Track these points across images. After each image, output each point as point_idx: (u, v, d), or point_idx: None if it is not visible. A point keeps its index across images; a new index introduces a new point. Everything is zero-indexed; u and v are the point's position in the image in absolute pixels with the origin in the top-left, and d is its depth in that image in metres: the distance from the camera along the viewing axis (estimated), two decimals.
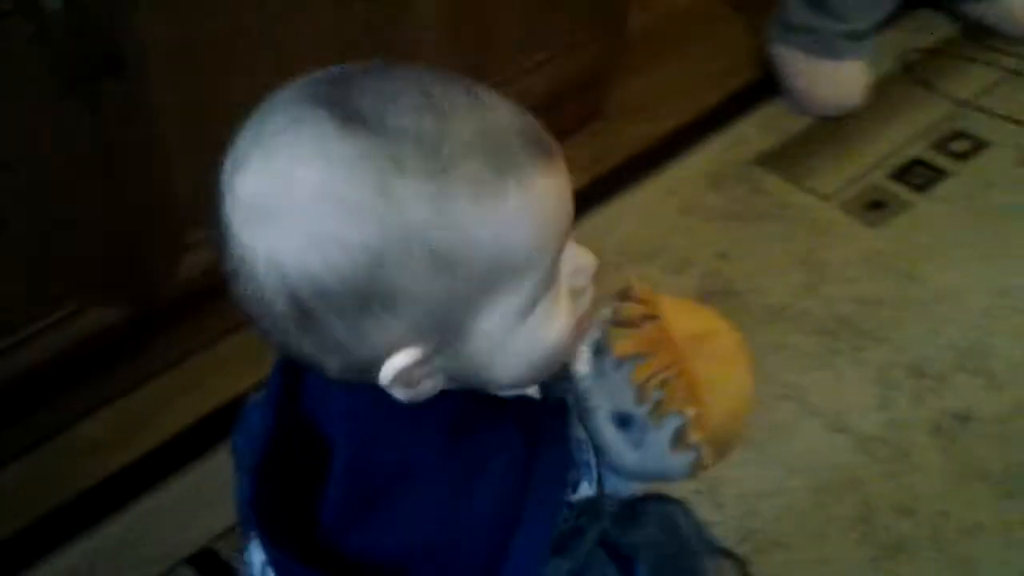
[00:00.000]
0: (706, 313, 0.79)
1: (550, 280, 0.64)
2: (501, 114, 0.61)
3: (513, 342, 0.65)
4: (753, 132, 1.87)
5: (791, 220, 1.71)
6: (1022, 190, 1.74)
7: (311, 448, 0.68)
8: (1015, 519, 1.33)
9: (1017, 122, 1.84)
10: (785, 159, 1.81)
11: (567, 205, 0.64)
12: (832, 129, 1.86)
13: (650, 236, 1.68)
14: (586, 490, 0.71)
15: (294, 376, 0.70)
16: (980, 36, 2.01)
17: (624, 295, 0.77)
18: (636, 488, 0.81)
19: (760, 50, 1.96)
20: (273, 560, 0.68)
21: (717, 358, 0.75)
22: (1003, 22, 2.00)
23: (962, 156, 1.80)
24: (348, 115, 0.59)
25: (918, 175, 1.77)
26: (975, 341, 1.52)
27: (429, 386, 0.65)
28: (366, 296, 0.60)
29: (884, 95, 1.91)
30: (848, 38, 1.86)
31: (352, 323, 0.61)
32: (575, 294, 0.67)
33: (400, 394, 0.64)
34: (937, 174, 1.77)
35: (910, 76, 1.95)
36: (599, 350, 0.76)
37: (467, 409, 0.68)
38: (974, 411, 1.44)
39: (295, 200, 0.59)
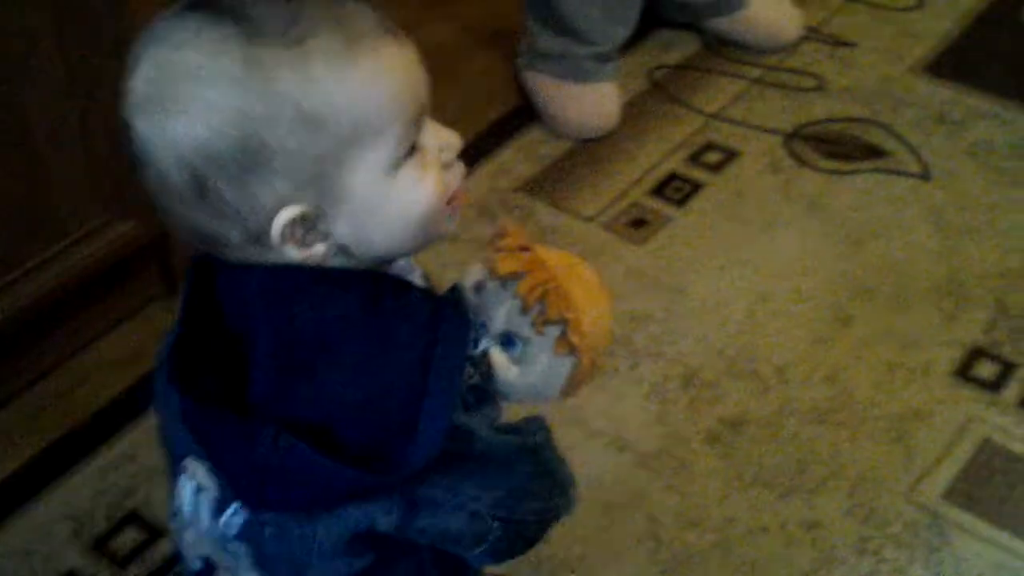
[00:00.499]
0: (565, 252, 0.87)
1: (409, 144, 0.74)
2: (348, 4, 0.73)
3: (387, 202, 0.74)
4: (516, 160, 1.88)
5: (559, 244, 1.72)
6: (773, 196, 1.80)
7: (226, 342, 0.75)
8: (793, 518, 1.37)
9: (764, 130, 1.91)
10: (548, 184, 1.83)
11: (418, 75, 0.75)
12: (591, 151, 1.89)
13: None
14: (484, 346, 0.81)
15: (206, 277, 0.78)
16: (723, 50, 2.08)
17: (500, 233, 0.86)
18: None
19: (517, 78, 1.98)
20: (185, 410, 0.76)
21: (583, 280, 0.85)
22: (743, 35, 2.07)
23: (715, 167, 1.85)
24: (214, 12, 0.70)
25: (676, 189, 1.81)
26: (742, 347, 1.57)
27: (321, 250, 0.74)
28: (248, 155, 0.70)
29: (637, 113, 1.95)
30: (595, 60, 1.90)
31: (239, 185, 0.71)
32: (445, 167, 0.77)
33: (294, 254, 0.73)
34: (693, 187, 1.81)
35: (660, 93, 2.00)
36: (482, 282, 0.84)
37: (373, 284, 0.76)
38: (746, 415, 1.48)
39: (177, 82, 0.70)
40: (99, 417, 1.52)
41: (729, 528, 1.36)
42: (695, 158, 1.87)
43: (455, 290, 0.83)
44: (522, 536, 0.84)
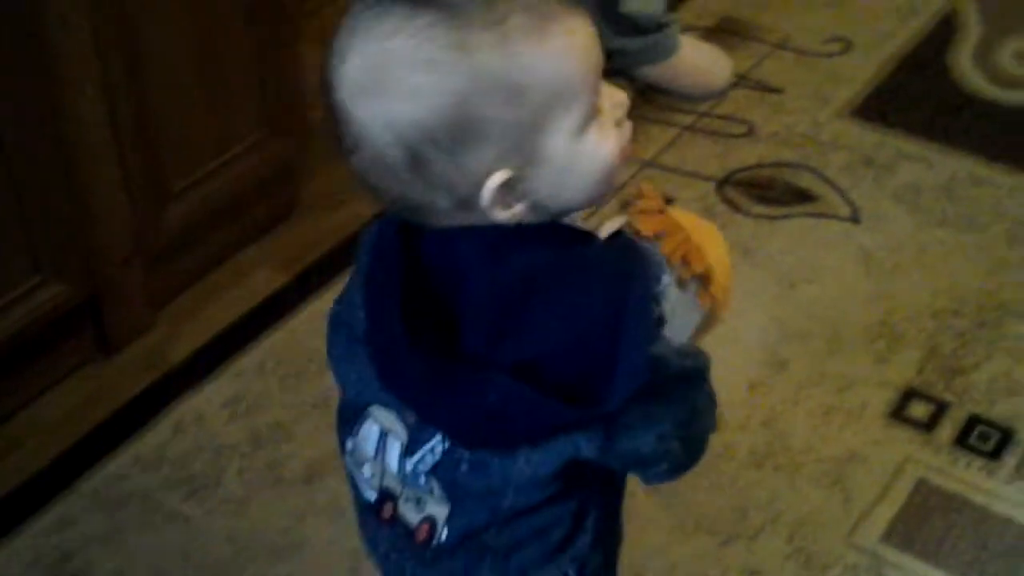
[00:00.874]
0: (693, 214, 1.00)
1: (594, 108, 0.82)
2: None
3: (577, 162, 0.82)
4: None
5: None
6: None
7: (429, 299, 0.83)
8: (735, 565, 1.38)
9: (697, 176, 1.93)
10: None
11: (597, 47, 0.82)
12: None
13: None
14: (665, 281, 0.91)
15: (409, 240, 0.85)
16: (655, 97, 2.11)
17: (638, 195, 0.96)
18: None
19: None
20: (387, 364, 0.85)
21: (713, 239, 0.96)
22: (674, 83, 2.10)
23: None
24: (415, 2, 0.77)
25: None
26: None
27: (521, 209, 0.82)
28: (459, 130, 0.78)
29: None
30: None
31: (451, 157, 0.79)
32: (618, 124, 0.85)
33: (500, 215, 0.81)
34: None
35: None
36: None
37: (568, 234, 0.85)
38: None
39: (392, 69, 0.78)
40: (35, 481, 1.49)
41: None
42: (629, 206, 1.89)
43: (621, 234, 0.91)
44: (693, 453, 0.91)
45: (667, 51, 2.08)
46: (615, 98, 0.85)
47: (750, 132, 2.03)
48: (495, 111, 0.78)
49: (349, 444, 0.95)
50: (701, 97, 2.10)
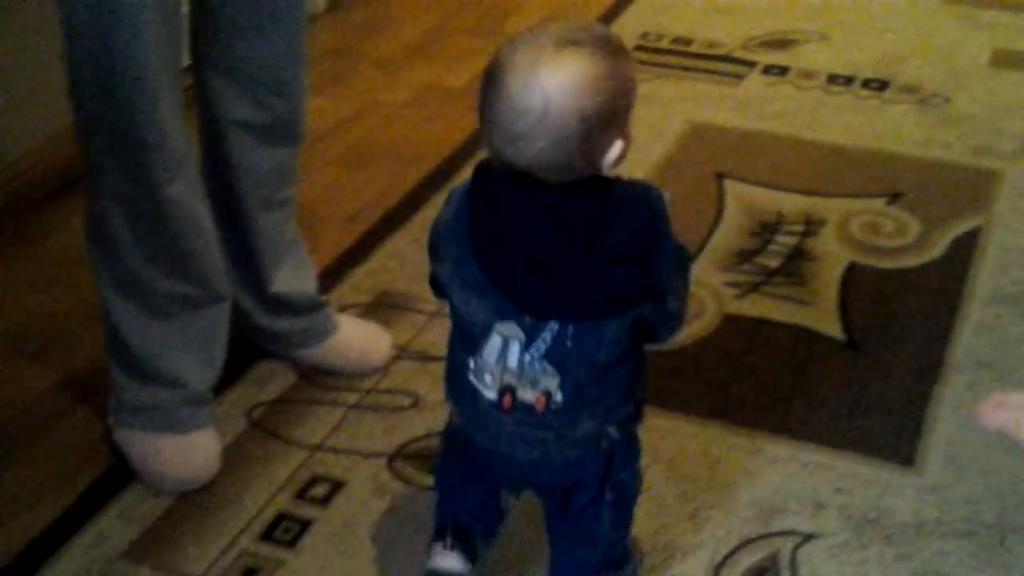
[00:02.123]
0: None
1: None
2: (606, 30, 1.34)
3: (631, 139, 1.32)
4: (115, 526, 1.79)
5: None
6: (384, 522, 1.79)
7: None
8: None
9: (367, 455, 1.92)
10: (153, 546, 1.74)
11: None
12: (195, 503, 1.83)
13: None
14: (667, 198, 1.36)
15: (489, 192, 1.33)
16: (320, 378, 2.10)
17: None
18: None
19: (109, 437, 1.91)
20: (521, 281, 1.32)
21: None
22: (336, 362, 2.11)
23: (323, 501, 1.83)
24: (584, 37, 1.27)
25: (285, 531, 1.77)
26: None
27: (615, 169, 1.32)
28: (612, 116, 1.27)
29: (239, 456, 1.92)
30: (189, 405, 1.87)
31: (603, 132, 1.27)
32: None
33: (609, 167, 1.30)
34: (302, 525, 1.78)
35: (261, 432, 1.98)
36: None
37: (615, 181, 1.33)
38: None
39: (588, 79, 1.25)
40: None
41: None
42: (302, 494, 1.85)
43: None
44: (686, 313, 1.42)
45: (325, 332, 2.10)
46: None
47: (416, 403, 2.05)
48: (625, 103, 1.29)
49: (471, 363, 1.40)
50: (364, 374, 2.11)
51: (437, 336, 2.21)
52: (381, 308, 2.28)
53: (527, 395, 1.37)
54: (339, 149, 2.82)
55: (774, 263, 2.40)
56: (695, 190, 2.64)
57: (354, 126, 2.92)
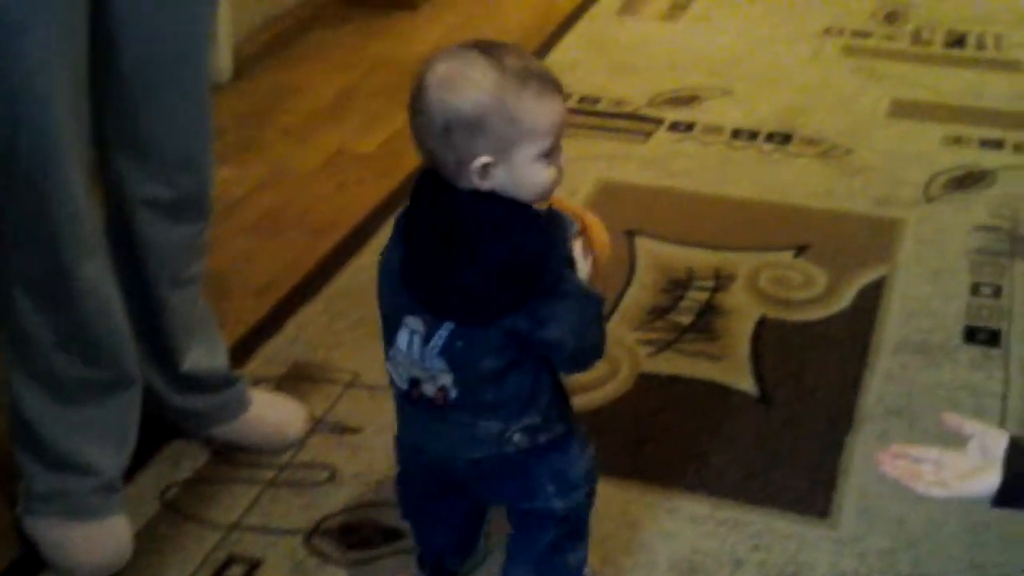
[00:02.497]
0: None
1: (547, 152, 1.41)
2: (545, 71, 1.42)
3: (524, 174, 1.40)
4: None
5: None
6: None
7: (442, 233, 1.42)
8: None
9: (284, 532, 1.90)
10: None
11: (564, 120, 1.41)
12: None
13: None
14: (572, 232, 1.49)
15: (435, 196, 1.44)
16: (234, 456, 2.07)
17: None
18: None
19: (18, 526, 1.87)
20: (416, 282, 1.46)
21: (597, 225, 1.56)
22: (250, 438, 2.08)
23: None
24: (491, 56, 1.38)
25: None
26: None
27: (488, 185, 1.39)
28: (477, 124, 1.36)
29: (152, 540, 1.88)
30: (100, 492, 1.83)
31: (465, 139, 1.37)
32: (558, 172, 1.43)
33: (478, 183, 1.39)
34: None
35: (174, 513, 1.94)
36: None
37: (519, 203, 1.42)
38: None
39: (459, 78, 1.36)
40: None
41: None
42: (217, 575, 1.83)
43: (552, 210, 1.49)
44: (585, 353, 1.48)
45: (238, 408, 2.07)
46: (561, 163, 1.44)
47: (333, 477, 2.03)
48: (497, 126, 1.37)
49: (391, 352, 1.51)
50: (279, 449, 2.08)
51: (353, 407, 2.20)
52: (295, 380, 2.27)
53: (428, 389, 1.49)
54: (249, 219, 2.80)
55: (686, 319, 2.42)
56: None
57: (264, 195, 2.91)
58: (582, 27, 3.91)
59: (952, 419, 1.43)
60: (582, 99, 3.39)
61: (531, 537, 1.60)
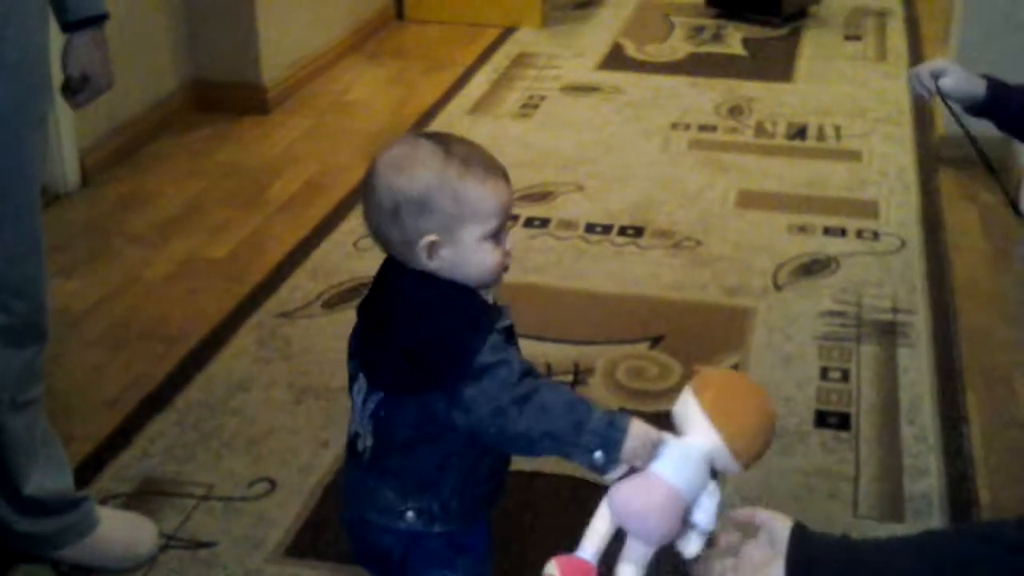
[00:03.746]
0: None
1: (495, 232, 1.46)
2: (488, 154, 1.48)
3: (473, 254, 1.45)
4: None
5: None
6: None
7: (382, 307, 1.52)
8: None
9: None
10: None
11: (511, 202, 1.48)
12: None
13: None
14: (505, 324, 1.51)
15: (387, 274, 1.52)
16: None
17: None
18: None
19: None
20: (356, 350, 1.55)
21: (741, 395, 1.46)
22: (99, 559, 2.00)
23: None
24: (433, 141, 1.46)
25: None
26: None
27: (436, 264, 1.45)
28: (424, 203, 1.42)
29: None
30: None
31: (413, 217, 1.43)
32: (505, 255, 1.48)
33: (426, 262, 1.44)
34: None
35: None
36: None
37: (457, 287, 1.47)
38: None
39: (407, 163, 1.44)
40: None
41: None
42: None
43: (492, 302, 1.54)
44: (509, 442, 1.45)
45: (85, 529, 1.99)
46: (510, 246, 1.49)
47: None
48: (442, 204, 1.43)
49: (351, 404, 1.57)
50: (130, 569, 2.01)
51: (207, 521, 2.13)
52: (145, 497, 2.19)
53: (359, 444, 1.56)
54: (98, 331, 2.73)
55: None
56: None
57: (113, 305, 2.83)
58: (435, 127, 3.93)
59: (742, 512, 1.43)
60: None
61: None
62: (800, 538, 1.33)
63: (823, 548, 1.34)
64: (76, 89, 1.91)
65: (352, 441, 1.56)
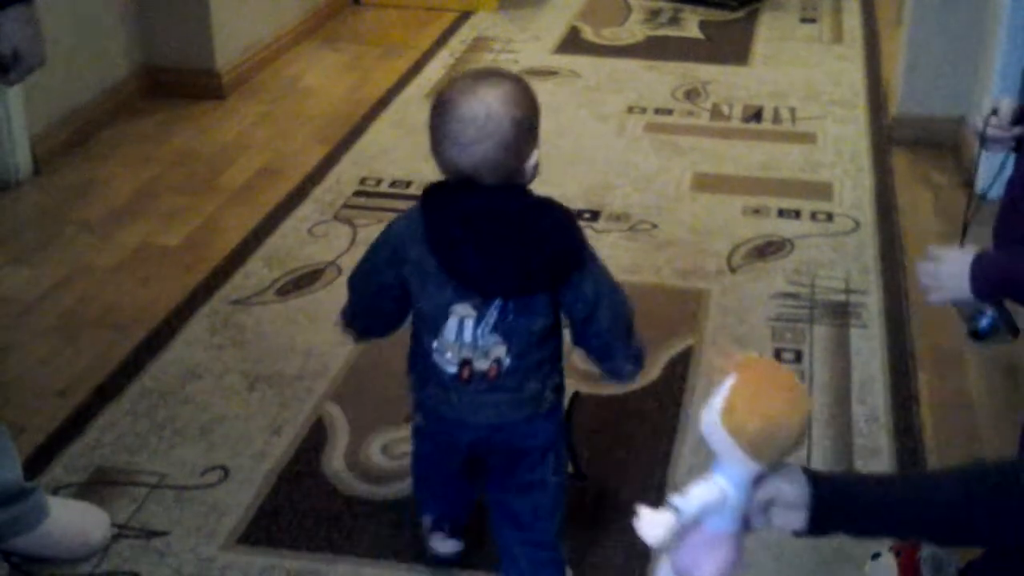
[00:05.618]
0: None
1: None
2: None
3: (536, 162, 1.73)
4: None
5: None
6: None
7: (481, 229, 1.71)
8: None
9: None
10: None
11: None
12: None
13: None
14: None
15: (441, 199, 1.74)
16: (34, 567, 1.97)
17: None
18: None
19: None
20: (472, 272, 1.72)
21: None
22: (51, 549, 1.98)
23: None
24: (517, 78, 1.73)
25: None
26: None
27: (531, 176, 1.72)
28: (531, 127, 1.67)
29: None
30: None
31: (528, 141, 1.67)
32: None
33: (530, 173, 1.70)
34: None
35: None
36: None
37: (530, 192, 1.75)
38: None
39: (520, 96, 1.68)
40: None
41: None
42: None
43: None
44: (619, 320, 1.79)
45: (35, 519, 1.98)
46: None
47: None
48: (538, 120, 1.69)
49: (434, 344, 1.74)
50: (81, 558, 1.99)
51: (159, 510, 2.12)
52: (98, 486, 2.18)
53: (481, 364, 1.74)
54: (49, 320, 2.70)
55: None
56: None
57: (64, 294, 2.81)
58: (392, 112, 3.92)
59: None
60: (394, 183, 3.39)
61: (526, 502, 1.85)
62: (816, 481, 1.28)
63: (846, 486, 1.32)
64: (7, 67, 1.89)
65: (458, 373, 1.74)
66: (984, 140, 1.74)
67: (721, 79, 4.25)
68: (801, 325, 2.70)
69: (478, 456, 1.86)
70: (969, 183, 3.31)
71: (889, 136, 3.72)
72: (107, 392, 2.44)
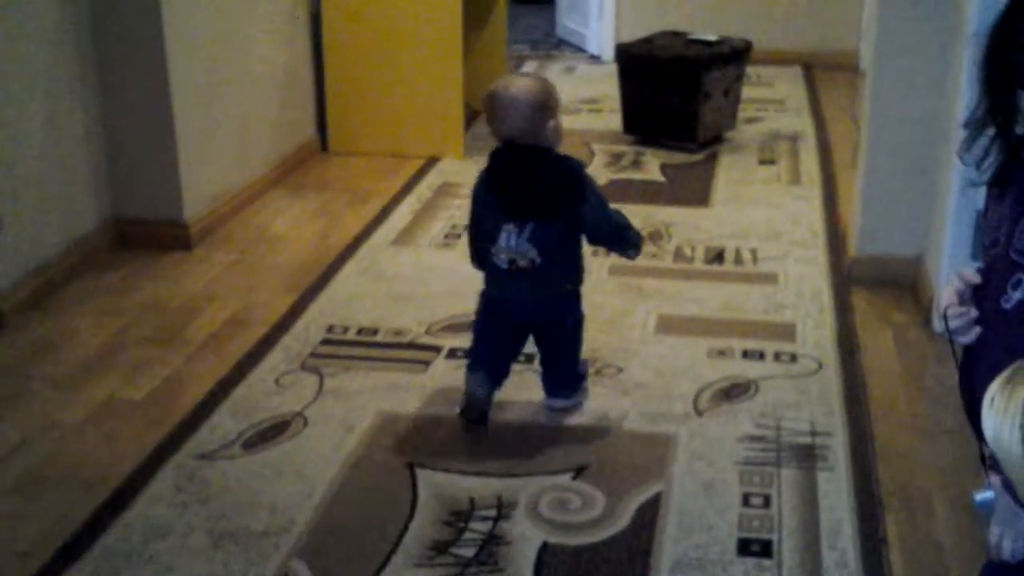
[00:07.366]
0: None
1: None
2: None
3: (559, 129, 2.84)
4: None
5: None
6: None
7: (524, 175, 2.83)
8: None
9: None
10: None
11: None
12: None
13: None
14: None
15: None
16: None
17: None
18: None
19: None
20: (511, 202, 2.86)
21: None
22: None
23: None
24: (534, 76, 3.09)
25: None
26: None
27: (553, 138, 2.81)
28: (543, 107, 2.77)
29: None
30: None
31: (546, 113, 2.77)
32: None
33: (551, 136, 2.79)
34: None
35: None
36: None
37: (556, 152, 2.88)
38: None
39: (538, 88, 2.81)
40: None
41: None
42: None
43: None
44: (624, 236, 2.89)
45: None
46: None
47: None
48: (552, 103, 2.77)
49: (492, 249, 2.80)
50: None
51: None
52: None
53: (522, 263, 2.78)
54: (11, 478, 2.67)
55: (469, 552, 2.40)
56: (386, 483, 2.65)
57: (28, 451, 2.78)
58: (358, 260, 3.96)
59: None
60: (360, 331, 3.40)
61: (557, 344, 2.96)
62: None
63: None
64: None
65: (508, 268, 2.79)
66: (951, 335, 1.67)
67: (683, 221, 4.32)
68: (769, 469, 2.70)
69: (520, 325, 2.92)
70: (928, 321, 3.37)
71: (849, 275, 3.78)
72: (70, 553, 2.40)
